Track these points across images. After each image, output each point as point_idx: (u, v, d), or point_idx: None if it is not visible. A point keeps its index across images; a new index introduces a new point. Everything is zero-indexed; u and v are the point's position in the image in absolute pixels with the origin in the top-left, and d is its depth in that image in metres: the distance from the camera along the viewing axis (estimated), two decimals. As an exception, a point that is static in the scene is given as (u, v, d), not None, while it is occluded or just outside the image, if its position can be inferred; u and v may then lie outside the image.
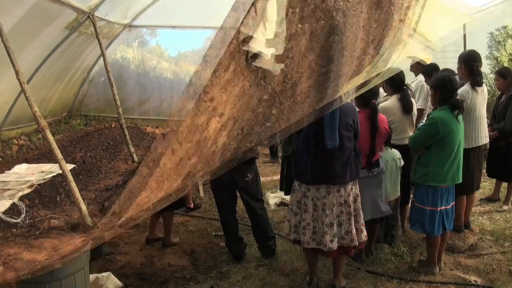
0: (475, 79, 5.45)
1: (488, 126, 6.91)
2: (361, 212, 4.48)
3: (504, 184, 7.16)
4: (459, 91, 5.32)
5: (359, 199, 4.47)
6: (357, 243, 4.42)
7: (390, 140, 5.25)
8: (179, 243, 5.93)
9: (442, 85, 4.67)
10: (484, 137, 5.67)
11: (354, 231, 4.37)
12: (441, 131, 4.54)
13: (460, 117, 4.69)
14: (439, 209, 4.74)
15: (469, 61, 5.49)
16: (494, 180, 7.44)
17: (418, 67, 7.15)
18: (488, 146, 7.19)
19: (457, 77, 5.74)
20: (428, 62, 6.77)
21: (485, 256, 5.39)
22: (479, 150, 5.72)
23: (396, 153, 5.30)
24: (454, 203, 4.91)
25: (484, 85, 5.71)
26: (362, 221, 4.49)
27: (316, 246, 4.39)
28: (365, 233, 4.50)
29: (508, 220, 6.38)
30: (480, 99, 5.50)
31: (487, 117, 8.40)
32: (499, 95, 6.94)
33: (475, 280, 4.84)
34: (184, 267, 5.33)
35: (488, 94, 8.84)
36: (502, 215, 6.57)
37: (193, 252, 5.71)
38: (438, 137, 4.57)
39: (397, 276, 4.90)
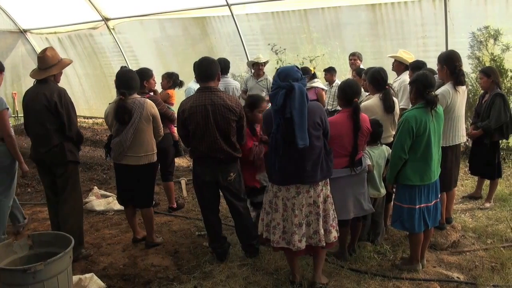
0: (458, 79, 5.46)
1: (471, 125, 6.99)
2: (331, 212, 4.48)
3: (487, 182, 7.21)
4: (440, 90, 5.35)
5: (329, 199, 4.48)
6: (324, 244, 4.43)
7: (380, 136, 5.30)
8: (162, 243, 5.91)
9: (417, 80, 4.71)
10: (461, 136, 5.69)
11: (322, 231, 4.39)
12: (414, 126, 4.54)
13: (438, 115, 4.72)
14: (417, 207, 4.75)
15: (451, 61, 5.50)
16: (476, 178, 7.50)
17: (400, 66, 7.19)
18: (469, 145, 7.25)
19: (436, 77, 5.77)
20: (410, 61, 6.87)
21: (467, 253, 5.42)
22: (457, 148, 5.74)
23: (386, 149, 5.34)
24: (437, 200, 4.93)
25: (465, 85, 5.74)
26: (332, 222, 4.49)
27: (286, 246, 4.41)
28: (334, 233, 4.50)
29: (490, 218, 6.43)
30: (460, 99, 5.52)
31: (468, 116, 8.52)
32: (482, 94, 6.98)
33: (457, 277, 4.86)
34: (168, 267, 5.31)
35: (470, 93, 8.96)
36: (484, 213, 6.61)
37: (177, 252, 5.68)
38: (415, 133, 4.57)
39: (380, 274, 4.91)
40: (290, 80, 4.09)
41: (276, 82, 4.20)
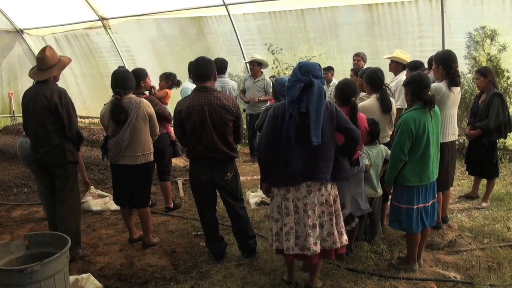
0: (454, 80, 5.47)
1: (468, 125, 7.00)
2: (340, 213, 4.44)
3: (483, 182, 7.23)
4: (433, 85, 5.38)
5: (338, 199, 4.43)
6: (339, 245, 4.36)
7: (378, 135, 5.30)
8: (159, 243, 5.90)
9: (412, 82, 4.72)
10: (452, 134, 5.69)
11: (336, 232, 4.32)
12: (413, 127, 4.53)
13: (436, 115, 4.72)
14: (415, 207, 4.74)
15: (447, 62, 5.51)
16: (472, 178, 7.50)
17: (398, 66, 7.20)
18: (466, 145, 7.25)
19: (431, 77, 5.79)
20: (408, 61, 6.88)
21: (464, 253, 5.42)
22: (453, 147, 5.75)
23: (384, 149, 5.35)
24: (434, 200, 4.93)
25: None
26: (342, 224, 4.45)
27: (300, 252, 4.32)
28: (345, 236, 4.44)
29: (487, 217, 6.43)
30: (452, 98, 5.52)
31: (465, 116, 8.53)
32: (479, 94, 6.97)
33: (454, 277, 4.86)
34: (164, 267, 5.31)
35: (466, 93, 8.98)
36: (481, 212, 6.62)
37: (173, 252, 5.68)
38: (414, 135, 4.57)
39: (377, 274, 4.91)
40: (310, 76, 4.07)
41: (295, 74, 4.16)
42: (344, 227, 4.47)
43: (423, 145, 4.61)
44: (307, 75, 4.08)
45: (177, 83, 7.88)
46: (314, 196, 4.25)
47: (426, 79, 4.72)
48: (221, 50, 12.00)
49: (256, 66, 9.54)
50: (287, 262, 4.67)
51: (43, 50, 5.37)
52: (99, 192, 7.99)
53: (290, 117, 4.08)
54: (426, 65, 6.92)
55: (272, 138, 4.26)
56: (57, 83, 5.46)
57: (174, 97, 7.45)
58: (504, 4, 8.57)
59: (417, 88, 4.65)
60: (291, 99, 4.08)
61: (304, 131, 4.06)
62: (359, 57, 8.89)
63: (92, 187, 8.11)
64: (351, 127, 4.31)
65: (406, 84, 4.83)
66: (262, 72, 9.66)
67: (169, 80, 7.74)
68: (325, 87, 8.82)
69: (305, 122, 4.05)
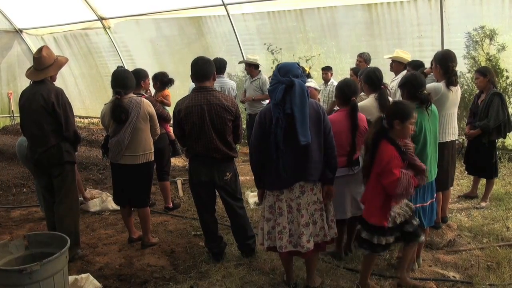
0: (450, 79, 5.48)
1: (467, 124, 6.99)
2: (329, 207, 4.45)
3: (482, 181, 7.22)
4: (432, 84, 5.39)
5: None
6: (329, 238, 4.39)
7: None
8: (158, 243, 5.90)
9: (407, 82, 4.75)
10: (451, 134, 5.69)
11: (326, 226, 4.35)
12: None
13: (433, 114, 4.73)
14: (413, 206, 4.74)
15: (445, 61, 5.52)
16: (471, 177, 7.50)
17: (399, 66, 7.19)
18: (465, 144, 7.24)
19: (431, 77, 5.79)
20: (409, 60, 6.88)
21: (463, 252, 5.42)
22: (453, 147, 5.75)
23: None
24: (433, 200, 4.92)
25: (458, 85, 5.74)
26: (331, 217, 4.46)
27: (293, 249, 4.34)
28: (334, 230, 4.48)
29: (486, 217, 6.43)
30: (451, 97, 5.51)
31: (464, 116, 8.52)
32: (478, 94, 6.96)
33: (453, 276, 4.86)
34: (164, 267, 5.31)
35: (466, 93, 8.97)
36: (480, 212, 6.62)
37: (173, 252, 5.68)
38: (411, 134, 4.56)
39: (377, 273, 4.91)
40: (291, 76, 4.06)
41: (276, 77, 4.15)
42: (333, 220, 4.49)
43: (420, 145, 4.61)
44: (288, 76, 4.07)
45: (168, 81, 7.75)
46: (308, 196, 4.27)
47: (420, 78, 4.75)
48: (220, 50, 12.00)
49: (248, 67, 9.50)
50: (283, 261, 4.68)
51: (39, 50, 5.36)
52: (95, 191, 7.97)
53: (276, 121, 4.08)
54: (429, 65, 6.91)
55: (262, 145, 4.26)
56: (55, 83, 5.45)
57: (177, 97, 7.43)
58: (503, 4, 8.58)
59: (412, 89, 4.67)
60: (275, 102, 4.07)
61: (292, 132, 4.05)
62: (361, 58, 8.77)
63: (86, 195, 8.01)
64: (331, 135, 4.30)
65: (401, 85, 4.85)
66: (259, 72, 9.60)
67: (157, 81, 7.66)
68: (322, 86, 8.95)
69: (292, 123, 4.05)
